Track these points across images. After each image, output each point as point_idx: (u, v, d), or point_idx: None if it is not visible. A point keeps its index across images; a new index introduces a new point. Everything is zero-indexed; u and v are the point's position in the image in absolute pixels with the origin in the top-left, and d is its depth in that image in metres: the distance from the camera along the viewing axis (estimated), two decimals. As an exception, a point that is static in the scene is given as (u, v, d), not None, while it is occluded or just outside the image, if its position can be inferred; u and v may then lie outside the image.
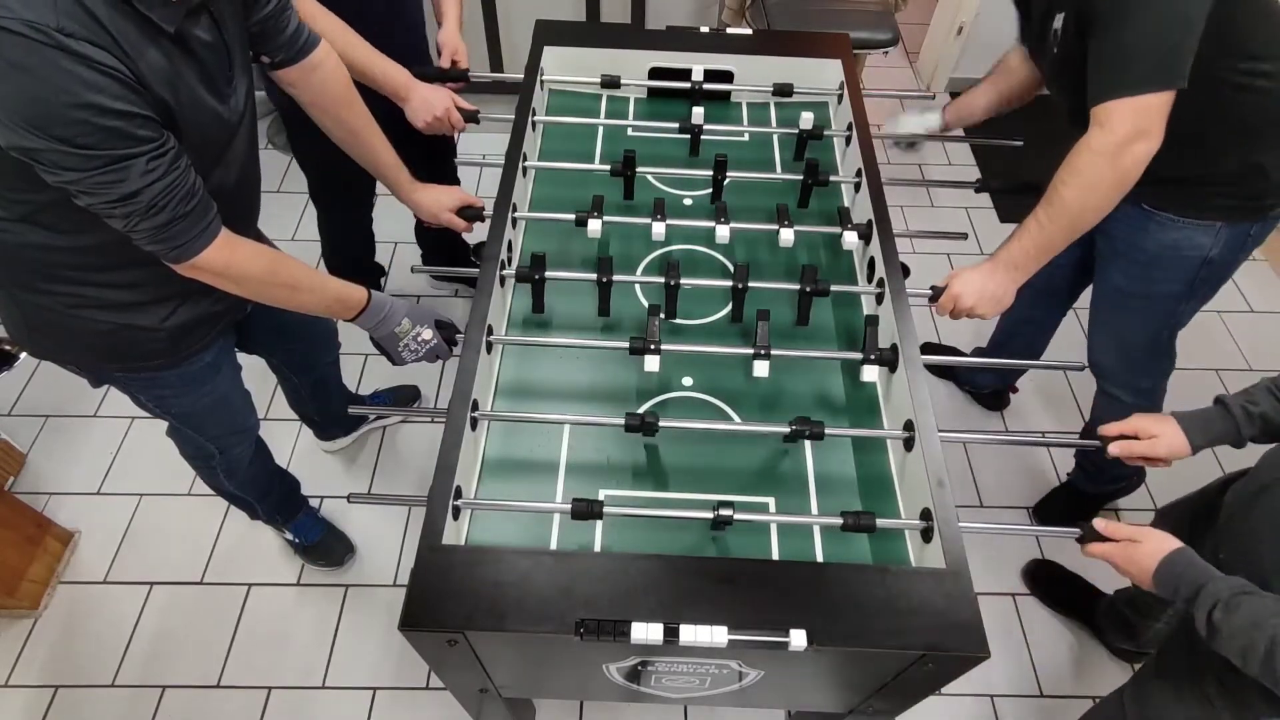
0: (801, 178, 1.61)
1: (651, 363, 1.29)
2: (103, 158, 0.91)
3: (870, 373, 1.39)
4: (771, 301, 1.43)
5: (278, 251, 1.19)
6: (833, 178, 1.69)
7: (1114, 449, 1.23)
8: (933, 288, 1.43)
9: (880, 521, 1.21)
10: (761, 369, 1.29)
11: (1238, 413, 1.17)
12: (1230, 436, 1.18)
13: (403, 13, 1.76)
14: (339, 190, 2.03)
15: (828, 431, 1.28)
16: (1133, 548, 1.08)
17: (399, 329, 1.33)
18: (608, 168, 1.59)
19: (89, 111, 0.88)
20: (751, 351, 1.30)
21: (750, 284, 1.39)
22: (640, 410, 1.34)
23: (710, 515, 1.10)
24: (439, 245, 2.45)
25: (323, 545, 2.02)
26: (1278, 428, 1.15)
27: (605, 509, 1.11)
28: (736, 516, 1.11)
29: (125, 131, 0.91)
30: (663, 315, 1.42)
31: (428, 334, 1.35)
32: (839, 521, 1.12)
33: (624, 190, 1.62)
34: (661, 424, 1.19)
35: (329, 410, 2.04)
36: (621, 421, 1.28)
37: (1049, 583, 2.03)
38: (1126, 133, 1.23)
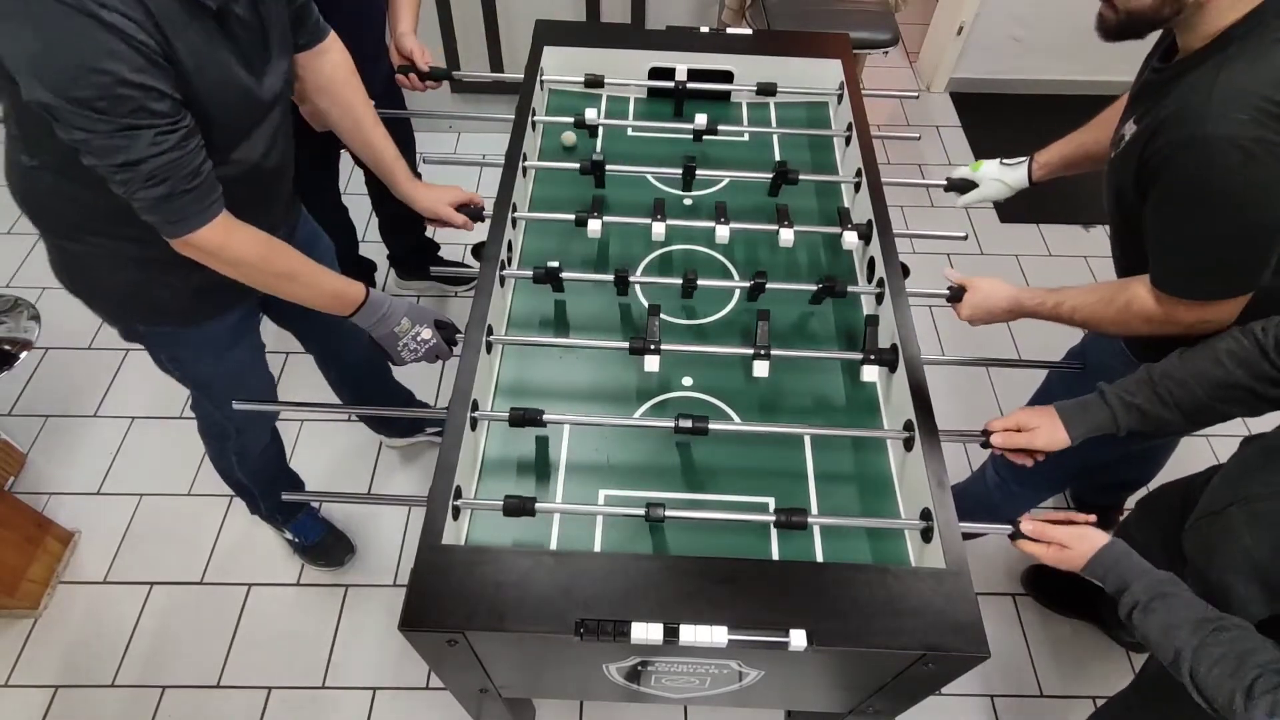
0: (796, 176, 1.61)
1: (651, 363, 1.29)
2: (113, 123, 0.94)
3: (870, 373, 1.39)
4: (779, 302, 1.43)
5: (277, 241, 1.20)
6: (832, 178, 1.69)
7: (995, 440, 1.25)
8: (951, 287, 1.43)
9: (880, 522, 1.22)
10: (761, 369, 1.29)
11: (1114, 403, 1.17)
12: (1108, 426, 1.18)
13: (369, 15, 1.76)
14: (301, 173, 2.01)
15: (827, 432, 1.29)
16: (1061, 551, 1.10)
17: (398, 328, 1.34)
18: (613, 168, 1.58)
19: (107, 78, 0.90)
20: (751, 351, 1.30)
21: (767, 285, 1.39)
22: (637, 411, 1.34)
23: (641, 512, 1.11)
24: (407, 245, 2.46)
25: (322, 545, 2.02)
26: (1155, 419, 1.15)
27: (538, 505, 1.11)
28: (670, 514, 1.11)
29: (140, 103, 0.94)
30: (662, 315, 1.42)
31: (427, 334, 1.36)
32: (771, 519, 1.12)
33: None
34: (547, 418, 1.21)
35: (357, 397, 2.01)
36: (621, 422, 1.29)
37: (1048, 586, 2.02)
38: (1190, 324, 1.18)
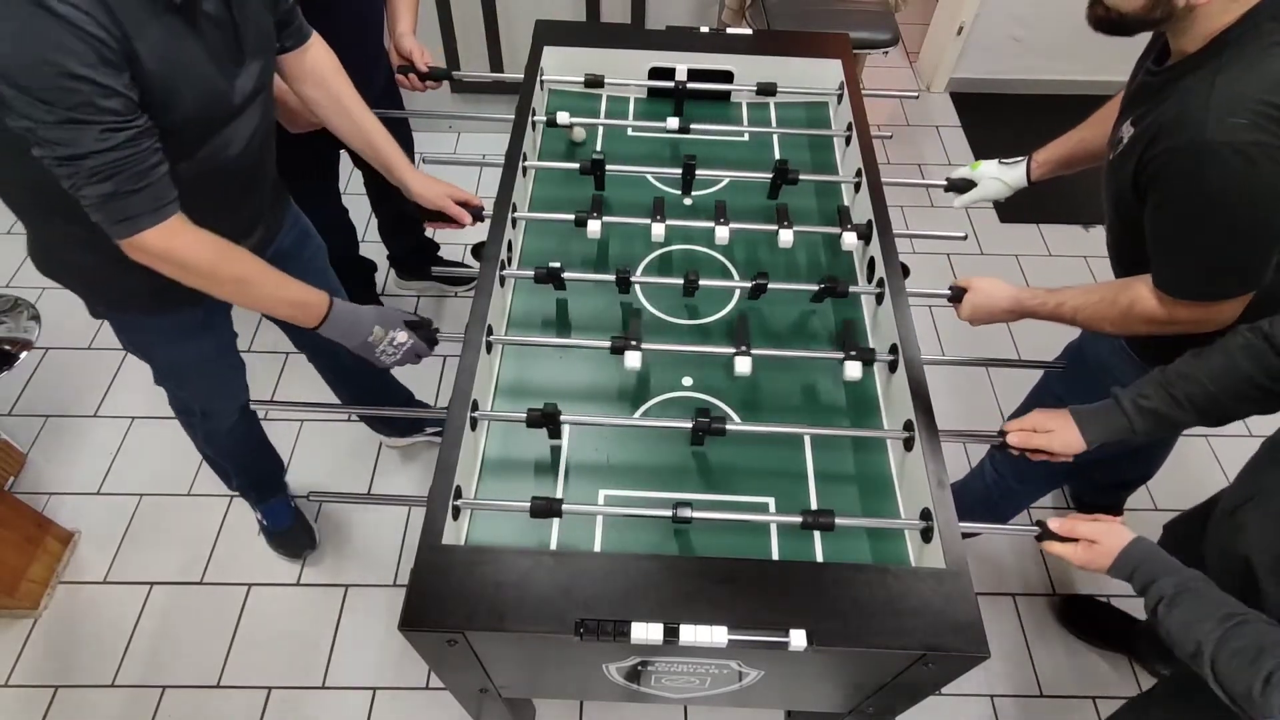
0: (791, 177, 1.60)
1: (633, 359, 1.28)
2: (58, 114, 0.93)
3: (853, 370, 1.37)
4: (780, 302, 1.43)
5: (233, 247, 1.17)
6: (832, 178, 1.69)
7: (1011, 439, 1.24)
8: (952, 287, 1.43)
9: (880, 521, 1.22)
10: (743, 365, 1.28)
11: (1128, 407, 1.17)
12: (1124, 431, 1.18)
13: (366, 16, 1.76)
14: (301, 174, 2.00)
15: (828, 432, 1.29)
16: (1089, 549, 1.09)
17: (371, 338, 1.32)
18: (613, 168, 1.58)
19: (53, 69, 0.90)
20: (733, 350, 1.29)
21: (769, 285, 1.39)
22: (637, 412, 1.34)
23: (668, 513, 1.11)
24: (407, 245, 2.47)
25: (289, 535, 2.03)
26: (1170, 420, 1.15)
27: (565, 507, 1.11)
28: (696, 515, 1.10)
29: (87, 98, 0.93)
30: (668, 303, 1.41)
31: (402, 337, 1.34)
32: (798, 520, 1.11)
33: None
34: (563, 419, 1.21)
35: (356, 398, 2.01)
36: (621, 422, 1.29)
37: (1083, 618, 1.99)
38: (1192, 325, 1.19)
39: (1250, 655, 0.89)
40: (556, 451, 1.29)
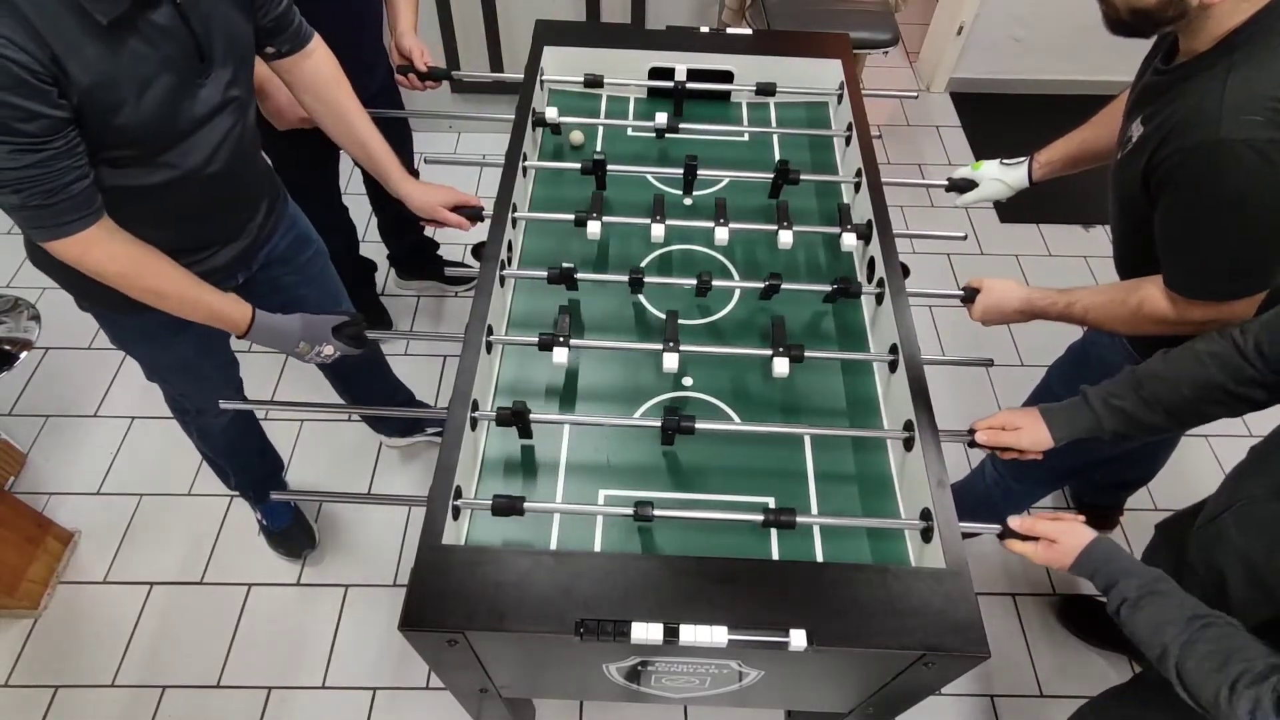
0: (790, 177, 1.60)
1: (560, 354, 1.29)
2: None
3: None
4: (782, 302, 1.43)
5: (152, 260, 1.18)
6: (832, 178, 1.69)
7: (979, 437, 1.24)
8: (964, 288, 1.43)
9: (880, 522, 1.22)
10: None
11: (1097, 406, 1.16)
12: (1093, 429, 1.18)
13: (364, 14, 1.76)
14: (296, 169, 1.99)
15: (827, 432, 1.29)
16: (1050, 548, 1.09)
17: (298, 349, 1.35)
18: (613, 168, 1.58)
19: None
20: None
21: (782, 285, 1.40)
22: (638, 411, 1.34)
23: (629, 511, 1.11)
24: (406, 245, 2.47)
25: (288, 534, 2.03)
26: (1139, 421, 1.15)
27: (527, 505, 1.11)
28: (658, 514, 1.11)
29: (2, 120, 0.93)
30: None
31: (329, 350, 1.37)
32: (759, 519, 1.11)
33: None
34: (535, 417, 1.22)
35: (357, 398, 2.01)
36: (622, 422, 1.28)
37: (1083, 618, 1.99)
38: (1203, 323, 1.18)
39: (1217, 660, 0.89)
40: (557, 452, 1.29)
